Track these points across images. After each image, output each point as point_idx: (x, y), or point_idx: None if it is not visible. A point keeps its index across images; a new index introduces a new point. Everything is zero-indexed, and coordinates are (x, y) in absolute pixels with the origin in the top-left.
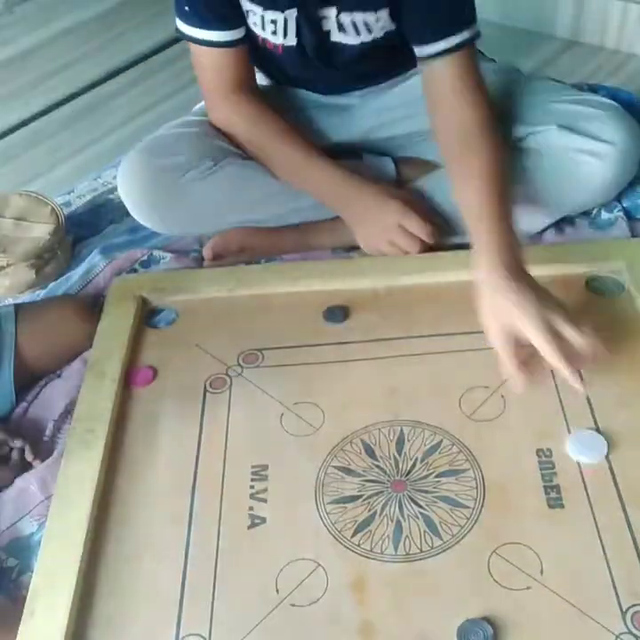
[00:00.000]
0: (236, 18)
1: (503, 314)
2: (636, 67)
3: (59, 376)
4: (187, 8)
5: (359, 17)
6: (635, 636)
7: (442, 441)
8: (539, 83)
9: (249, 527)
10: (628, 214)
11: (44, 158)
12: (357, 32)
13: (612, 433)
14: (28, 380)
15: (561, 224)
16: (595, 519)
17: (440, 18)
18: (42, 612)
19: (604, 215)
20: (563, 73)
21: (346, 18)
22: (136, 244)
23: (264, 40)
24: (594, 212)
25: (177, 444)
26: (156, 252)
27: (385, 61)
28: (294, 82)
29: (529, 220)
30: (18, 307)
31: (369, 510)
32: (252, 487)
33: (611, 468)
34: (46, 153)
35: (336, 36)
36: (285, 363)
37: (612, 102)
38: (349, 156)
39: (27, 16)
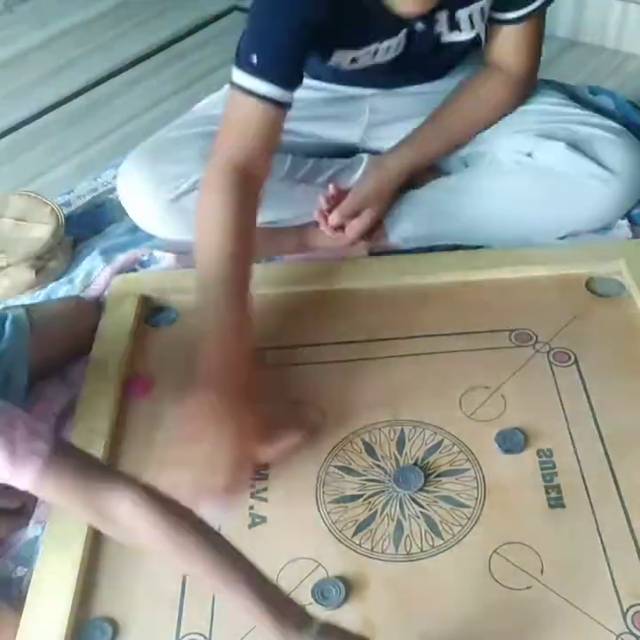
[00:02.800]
0: (297, 78)
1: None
2: (636, 67)
3: (60, 377)
4: (254, 59)
5: (473, 8)
6: (635, 635)
7: (442, 441)
8: (552, 97)
9: (249, 526)
10: (631, 219)
11: (44, 158)
12: (472, 26)
13: (613, 433)
14: (31, 381)
15: None
16: (595, 519)
17: None
18: (41, 611)
19: None
20: (563, 73)
21: (463, 13)
22: (136, 243)
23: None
24: None
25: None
26: (156, 252)
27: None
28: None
29: (532, 237)
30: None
31: (369, 510)
32: (252, 486)
33: (611, 468)
34: (46, 153)
35: (447, 36)
36: (285, 362)
37: (622, 128)
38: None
39: (27, 16)
